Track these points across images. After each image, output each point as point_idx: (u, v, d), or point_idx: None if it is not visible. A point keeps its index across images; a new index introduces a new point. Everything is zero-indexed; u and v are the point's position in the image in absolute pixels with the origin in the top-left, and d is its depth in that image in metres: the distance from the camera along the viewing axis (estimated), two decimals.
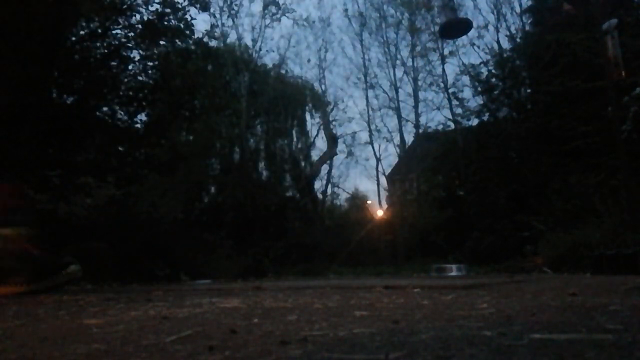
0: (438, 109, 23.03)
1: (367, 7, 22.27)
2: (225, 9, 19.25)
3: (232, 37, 19.75)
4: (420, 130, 21.64)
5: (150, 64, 7.32)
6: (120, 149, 7.31)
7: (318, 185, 21.93)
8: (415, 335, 0.61)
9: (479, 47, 23.75)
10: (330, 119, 22.28)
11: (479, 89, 16.86)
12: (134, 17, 6.82)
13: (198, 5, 7.55)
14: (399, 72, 28.90)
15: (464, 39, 18.22)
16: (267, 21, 20.05)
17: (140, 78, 7.34)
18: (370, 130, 22.36)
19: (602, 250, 5.55)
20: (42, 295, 2.04)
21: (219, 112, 12.97)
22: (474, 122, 17.58)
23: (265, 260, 12.20)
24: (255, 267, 10.69)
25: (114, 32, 6.83)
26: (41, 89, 5.89)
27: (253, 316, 0.87)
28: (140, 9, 6.82)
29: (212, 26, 15.51)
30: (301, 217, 19.18)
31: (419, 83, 21.57)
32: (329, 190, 22.94)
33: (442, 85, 20.41)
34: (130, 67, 7.22)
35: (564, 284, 1.52)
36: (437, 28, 16.75)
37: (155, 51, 7.27)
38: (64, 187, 6.55)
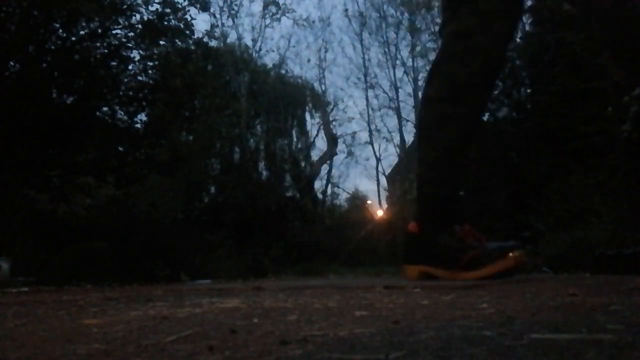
0: None
1: (367, 7, 22.29)
2: (225, 9, 19.22)
3: (232, 37, 19.76)
4: None
5: (150, 64, 7.33)
6: (120, 149, 7.31)
7: (318, 185, 21.96)
8: (415, 335, 0.62)
9: None
10: (330, 119, 22.31)
11: None
12: (134, 17, 6.83)
13: (198, 5, 7.55)
14: (399, 72, 28.87)
15: None
16: (267, 21, 20.07)
17: (140, 78, 7.35)
18: (370, 130, 22.41)
19: (602, 250, 5.54)
20: (43, 295, 2.05)
21: (219, 112, 12.98)
22: None
23: (265, 260, 12.20)
24: (255, 267, 10.68)
25: (114, 32, 6.84)
26: (41, 89, 5.89)
27: (253, 316, 0.88)
28: (140, 9, 6.83)
29: (212, 26, 15.48)
30: (301, 217, 19.19)
31: (419, 83, 21.58)
32: (329, 190, 22.97)
33: None
34: (130, 67, 7.22)
35: (564, 284, 1.52)
36: (437, 28, 16.78)
37: (155, 51, 7.27)
38: (64, 187, 6.55)
